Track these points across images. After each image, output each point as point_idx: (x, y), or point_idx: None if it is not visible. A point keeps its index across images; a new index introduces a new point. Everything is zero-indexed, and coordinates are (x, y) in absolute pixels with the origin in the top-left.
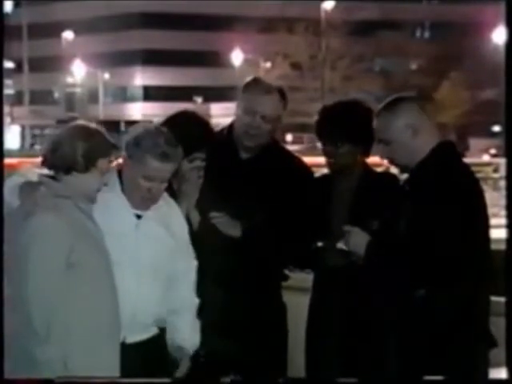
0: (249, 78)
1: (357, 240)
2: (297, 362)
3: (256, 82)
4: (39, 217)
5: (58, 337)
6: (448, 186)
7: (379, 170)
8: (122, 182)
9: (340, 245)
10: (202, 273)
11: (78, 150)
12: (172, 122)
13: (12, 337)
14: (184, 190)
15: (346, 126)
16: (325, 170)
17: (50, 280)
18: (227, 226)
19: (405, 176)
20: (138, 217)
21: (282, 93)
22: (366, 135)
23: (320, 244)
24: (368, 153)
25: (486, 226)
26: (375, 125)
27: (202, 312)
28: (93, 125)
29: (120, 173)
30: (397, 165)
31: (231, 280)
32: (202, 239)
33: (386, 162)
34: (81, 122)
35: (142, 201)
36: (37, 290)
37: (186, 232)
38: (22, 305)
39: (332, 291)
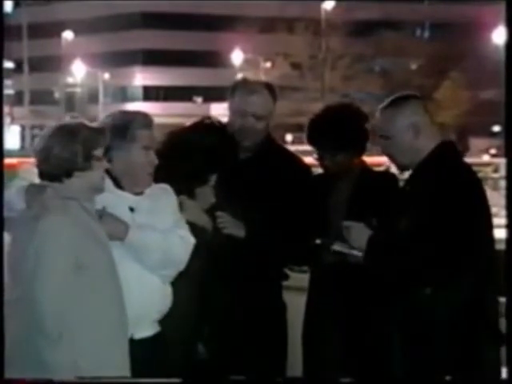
0: (235, 80)
1: (358, 235)
2: (296, 361)
3: (243, 82)
4: (49, 219)
5: (69, 338)
6: (449, 185)
7: (378, 169)
8: (113, 179)
9: (336, 247)
10: (204, 272)
11: (73, 152)
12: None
13: (21, 339)
14: (199, 191)
15: (337, 135)
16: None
17: (62, 281)
18: (231, 226)
19: (405, 176)
20: (131, 210)
21: (270, 88)
22: (359, 138)
23: (318, 242)
24: (363, 152)
25: (489, 225)
26: (378, 120)
27: (204, 310)
28: (71, 120)
29: (108, 172)
30: (396, 162)
31: (233, 279)
32: (208, 239)
33: (386, 159)
34: (60, 122)
35: (148, 178)
36: (48, 291)
37: (173, 212)
38: (32, 307)
39: (329, 289)
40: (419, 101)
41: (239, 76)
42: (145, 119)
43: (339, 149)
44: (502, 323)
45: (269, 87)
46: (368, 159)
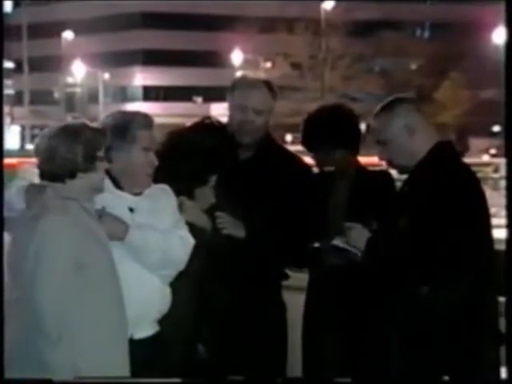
0: (235, 77)
1: (358, 236)
2: (296, 361)
3: (242, 79)
4: (49, 219)
5: (69, 338)
6: (447, 185)
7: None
8: (112, 180)
9: (336, 242)
10: (204, 272)
11: (76, 152)
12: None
13: (21, 339)
14: (199, 191)
15: (331, 134)
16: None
17: (62, 281)
18: (231, 226)
19: (403, 177)
20: (131, 210)
21: (269, 85)
22: (353, 137)
23: (317, 243)
24: (357, 152)
25: (488, 225)
26: (373, 126)
27: (203, 311)
28: (74, 120)
29: (107, 172)
30: (395, 166)
31: (233, 279)
32: (207, 240)
33: (384, 162)
34: (62, 122)
35: (147, 179)
36: (48, 291)
37: (173, 212)
38: (32, 307)
39: (327, 290)
40: (412, 102)
41: (238, 74)
42: (145, 120)
43: (334, 147)
44: (502, 323)
45: (268, 84)
46: (368, 159)
